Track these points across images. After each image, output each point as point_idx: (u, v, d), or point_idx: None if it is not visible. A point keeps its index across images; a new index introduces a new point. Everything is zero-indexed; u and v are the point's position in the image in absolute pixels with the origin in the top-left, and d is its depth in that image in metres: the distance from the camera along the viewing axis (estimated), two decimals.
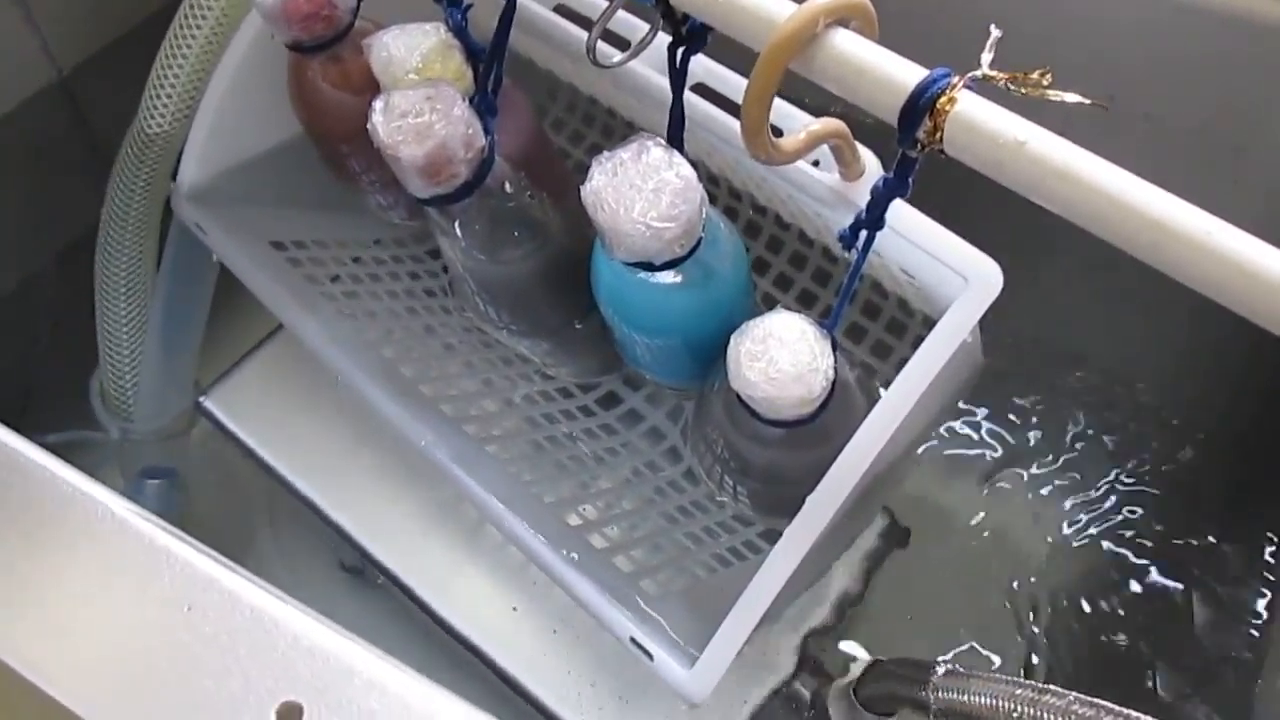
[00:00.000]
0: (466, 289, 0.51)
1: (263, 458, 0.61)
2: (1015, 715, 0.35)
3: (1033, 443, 0.63)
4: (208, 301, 0.65)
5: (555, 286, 0.51)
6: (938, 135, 0.30)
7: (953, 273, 0.40)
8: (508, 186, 0.46)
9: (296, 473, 0.61)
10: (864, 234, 0.37)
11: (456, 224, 0.47)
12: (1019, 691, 0.36)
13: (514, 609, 0.56)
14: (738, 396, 0.41)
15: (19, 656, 0.29)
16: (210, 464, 0.65)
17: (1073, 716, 0.34)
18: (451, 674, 0.55)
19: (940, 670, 0.41)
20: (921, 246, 0.40)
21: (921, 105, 0.30)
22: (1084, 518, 0.62)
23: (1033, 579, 0.60)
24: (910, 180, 0.34)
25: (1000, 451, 0.64)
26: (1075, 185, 0.28)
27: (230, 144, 0.58)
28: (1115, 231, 0.28)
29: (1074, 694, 0.34)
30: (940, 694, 0.40)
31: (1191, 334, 0.62)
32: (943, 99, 0.30)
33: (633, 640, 0.42)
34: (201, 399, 0.64)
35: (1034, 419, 0.63)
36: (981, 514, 0.62)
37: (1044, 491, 0.62)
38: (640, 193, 0.40)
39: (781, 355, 0.39)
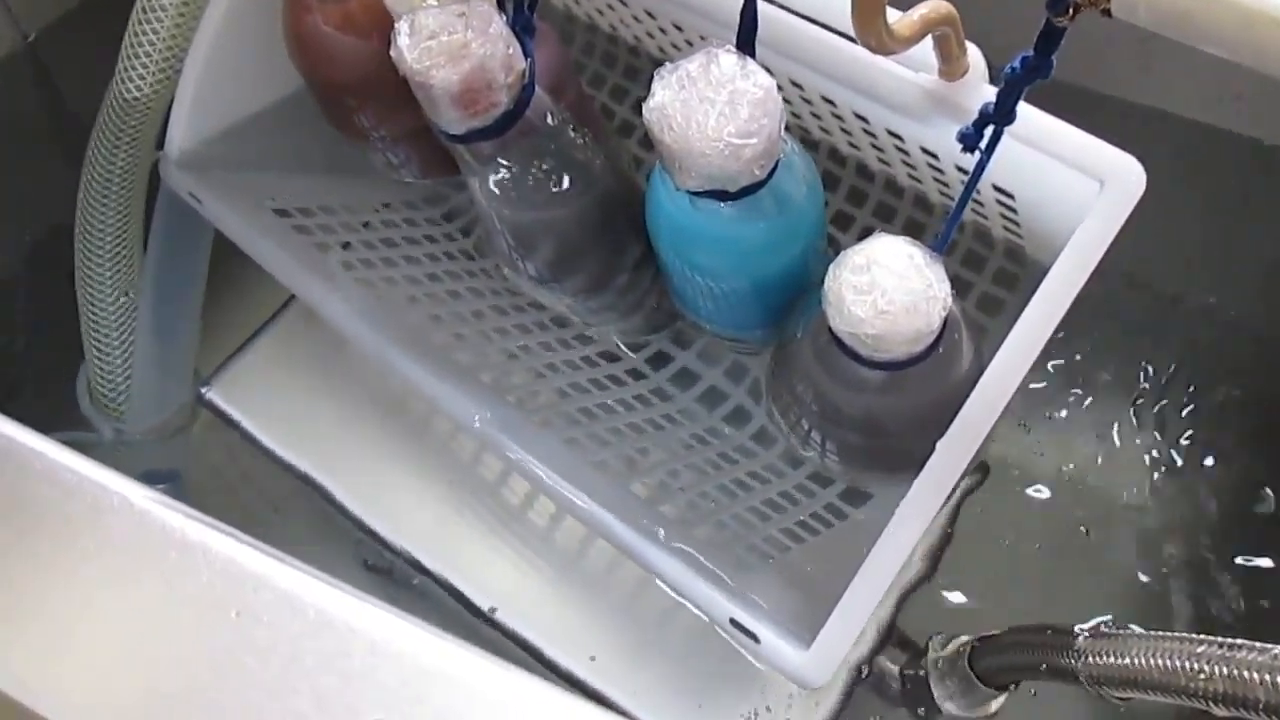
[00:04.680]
0: (502, 243, 0.46)
1: (275, 452, 0.55)
2: (1202, 675, 0.30)
3: (1107, 380, 0.58)
4: (202, 283, 0.59)
5: (601, 234, 0.46)
6: None
7: (1075, 179, 0.35)
8: (550, 119, 0.41)
9: (314, 465, 0.55)
10: (990, 130, 0.32)
11: (492, 166, 0.41)
12: (1200, 649, 0.31)
13: (545, 590, 0.51)
14: (835, 339, 0.36)
15: (22, 684, 0.23)
16: (216, 463, 0.59)
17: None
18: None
19: (1084, 634, 0.36)
20: (1045, 149, 0.35)
21: None
22: (1170, 456, 0.57)
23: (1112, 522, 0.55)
24: (1054, 59, 0.29)
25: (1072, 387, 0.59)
26: None
27: (221, 104, 0.52)
28: None
29: (1277, 647, 0.29)
30: (1090, 659, 0.35)
31: None
32: None
33: (733, 622, 0.37)
34: (203, 390, 0.58)
35: (1102, 355, 0.58)
36: (1051, 450, 0.57)
37: (1120, 430, 0.57)
38: (714, 106, 0.35)
39: (891, 284, 0.34)
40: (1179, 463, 0.56)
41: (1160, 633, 0.33)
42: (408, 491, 0.55)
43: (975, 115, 0.37)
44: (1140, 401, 0.57)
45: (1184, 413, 0.56)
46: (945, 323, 0.35)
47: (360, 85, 0.50)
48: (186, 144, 0.51)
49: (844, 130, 0.48)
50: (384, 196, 0.57)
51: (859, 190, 0.53)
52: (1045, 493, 0.55)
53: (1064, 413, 0.56)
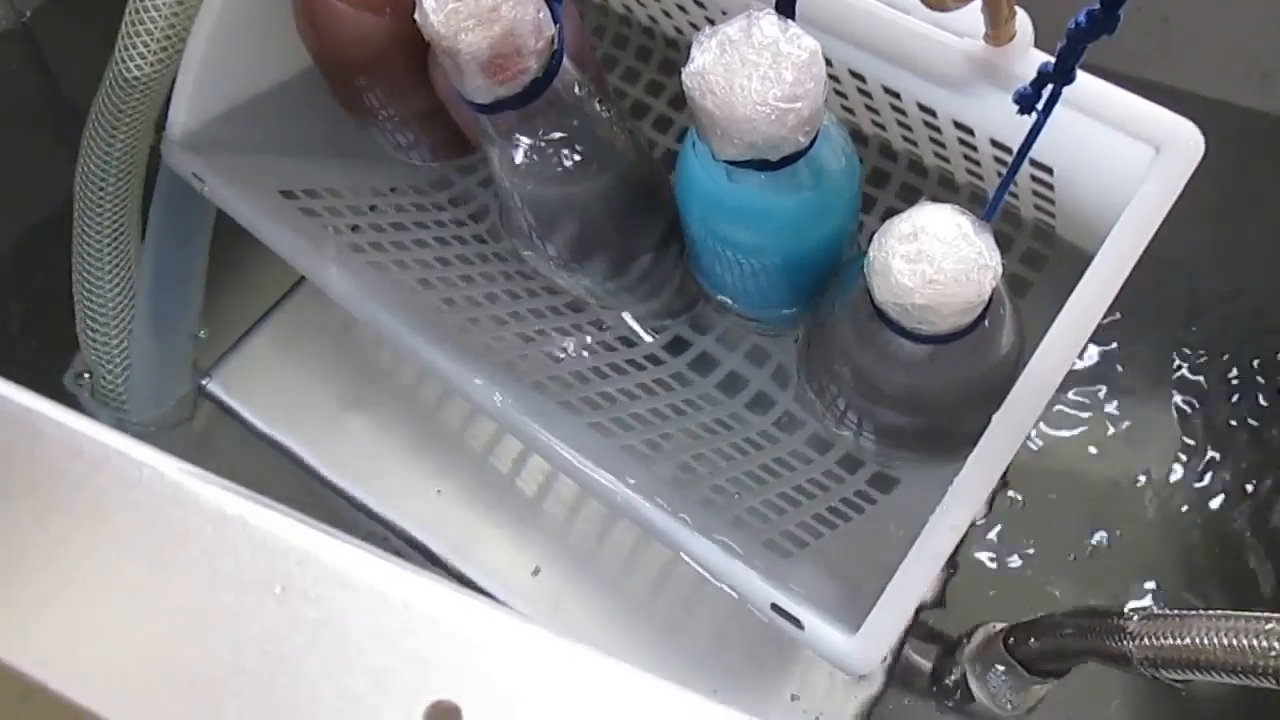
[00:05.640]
0: (522, 223, 0.44)
1: (279, 442, 0.54)
2: (1273, 653, 0.29)
3: (1132, 363, 0.57)
4: (203, 270, 0.57)
5: (624, 212, 0.44)
6: None
7: (1126, 147, 0.34)
8: (577, 90, 0.39)
9: (318, 456, 0.54)
10: (1048, 90, 0.30)
11: (515, 139, 0.40)
12: (1270, 625, 0.30)
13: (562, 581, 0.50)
14: (878, 313, 0.35)
15: (54, 670, 0.21)
16: (218, 456, 0.57)
17: None
18: None
19: (1136, 616, 0.35)
20: (1096, 114, 0.34)
21: None
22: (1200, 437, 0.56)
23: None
24: (1120, 13, 0.28)
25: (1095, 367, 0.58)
26: None
27: (226, 83, 0.51)
28: None
29: None
30: (1145, 640, 0.34)
31: None
32: None
33: (775, 608, 0.36)
34: (204, 382, 0.56)
35: (1131, 337, 0.57)
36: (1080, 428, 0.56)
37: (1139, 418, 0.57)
38: (757, 69, 0.33)
39: (940, 252, 0.33)
40: (1212, 444, 0.55)
41: (1223, 612, 0.32)
42: (416, 482, 0.53)
43: (1019, 82, 0.36)
44: (1167, 382, 0.56)
45: (1215, 393, 0.55)
46: (990, 296, 0.34)
47: (371, 63, 0.48)
48: (190, 124, 0.50)
49: (869, 109, 0.46)
50: (390, 180, 0.55)
51: (881, 171, 0.51)
52: (1071, 476, 0.54)
53: (1100, 393, 0.55)
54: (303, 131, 0.53)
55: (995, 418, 0.33)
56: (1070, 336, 0.32)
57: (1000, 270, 0.33)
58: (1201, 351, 0.55)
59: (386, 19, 0.47)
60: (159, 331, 0.56)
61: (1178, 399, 0.55)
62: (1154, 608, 0.35)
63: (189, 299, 0.57)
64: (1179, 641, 0.33)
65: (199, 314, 0.58)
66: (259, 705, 0.21)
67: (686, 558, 0.38)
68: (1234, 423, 0.55)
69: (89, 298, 0.55)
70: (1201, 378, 0.55)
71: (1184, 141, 0.32)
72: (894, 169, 0.51)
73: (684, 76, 0.34)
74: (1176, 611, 0.34)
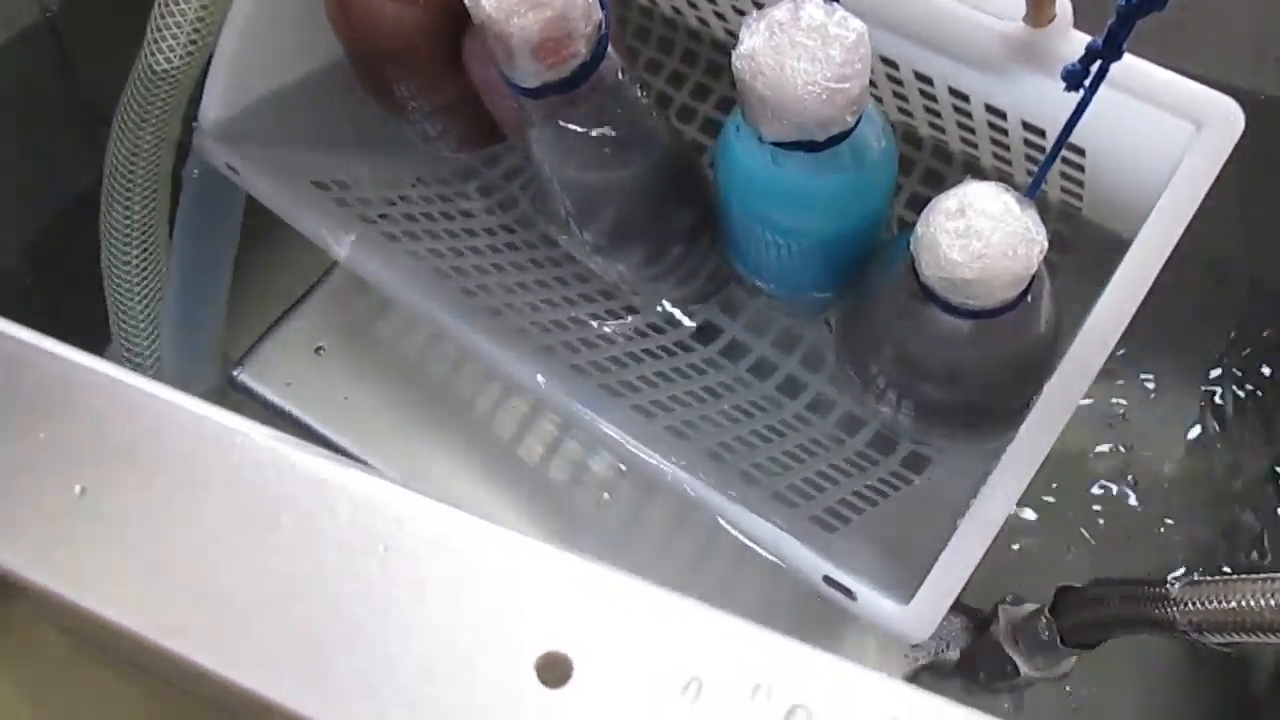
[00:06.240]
0: (559, 208, 0.45)
1: (316, 431, 0.54)
2: None
3: (1158, 352, 0.58)
4: (230, 261, 0.58)
5: (661, 198, 0.45)
6: None
7: (1164, 124, 0.35)
8: (621, 74, 0.40)
9: (354, 442, 0.54)
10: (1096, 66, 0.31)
11: (557, 124, 0.41)
12: None
13: None
14: (923, 289, 0.36)
15: (167, 630, 0.22)
16: None
17: None
18: None
19: (1177, 584, 0.36)
20: (1135, 91, 0.35)
21: None
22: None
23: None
24: None
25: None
26: None
27: (258, 75, 0.51)
28: None
29: None
30: (1189, 605, 0.35)
31: None
32: None
33: (827, 580, 0.36)
34: (235, 372, 0.56)
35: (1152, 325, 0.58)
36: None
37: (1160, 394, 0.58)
38: (807, 50, 0.34)
39: (987, 228, 0.34)
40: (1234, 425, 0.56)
41: (1268, 574, 0.33)
42: (449, 468, 0.54)
43: (1058, 63, 0.37)
44: (1192, 372, 0.57)
45: (1238, 382, 0.57)
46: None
47: (403, 53, 0.49)
48: (223, 115, 0.50)
49: (897, 95, 0.47)
50: (417, 171, 0.56)
51: (905, 158, 0.52)
52: (1099, 463, 0.55)
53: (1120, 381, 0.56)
54: (332, 123, 0.53)
55: (1048, 386, 0.34)
56: (1120, 307, 0.33)
57: (1046, 245, 0.34)
58: (1221, 342, 0.56)
59: (418, 9, 0.47)
60: (188, 323, 0.56)
61: (1193, 375, 0.56)
62: (1195, 575, 0.36)
63: (217, 290, 0.57)
64: (1225, 605, 0.34)
65: (225, 307, 0.58)
66: (371, 660, 0.21)
67: (737, 533, 0.38)
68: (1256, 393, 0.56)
69: (118, 290, 0.55)
70: (1222, 357, 0.56)
71: (1225, 117, 0.33)
72: (918, 155, 0.52)
73: (734, 59, 0.35)
74: (1219, 577, 0.35)
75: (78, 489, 0.24)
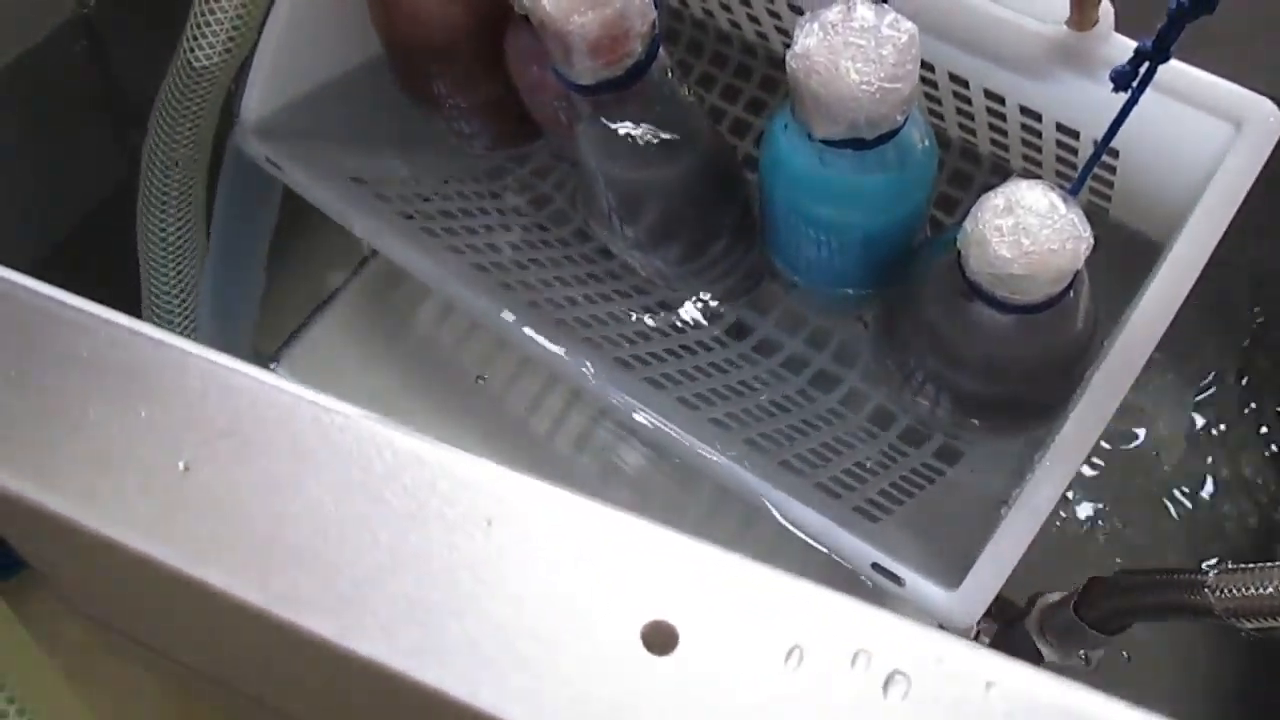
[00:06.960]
0: (603, 205, 0.46)
1: None
2: None
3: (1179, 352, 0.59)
4: (264, 257, 0.58)
5: (703, 196, 0.46)
6: None
7: (1203, 125, 0.36)
8: (670, 73, 0.41)
9: None
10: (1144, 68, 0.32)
11: (606, 122, 0.41)
12: None
13: None
14: (969, 285, 0.37)
15: (281, 600, 0.23)
16: None
17: None
18: None
19: (1212, 571, 0.37)
20: (1175, 92, 0.36)
21: None
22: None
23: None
24: None
25: None
26: None
27: (298, 71, 0.52)
28: None
29: None
30: (1225, 592, 0.36)
31: None
32: None
33: (875, 566, 0.37)
34: (271, 367, 0.57)
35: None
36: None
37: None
38: (861, 51, 0.35)
39: (1035, 224, 0.35)
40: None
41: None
42: (494, 454, 0.55)
43: (1100, 66, 0.38)
44: (1212, 375, 0.58)
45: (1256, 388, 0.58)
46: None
47: (443, 50, 0.50)
48: (264, 111, 0.51)
49: (929, 97, 0.48)
50: (451, 168, 0.57)
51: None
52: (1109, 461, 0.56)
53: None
54: (370, 120, 0.54)
55: (1095, 379, 0.35)
56: (1166, 301, 0.34)
57: (1092, 241, 0.35)
58: (1241, 344, 0.58)
59: (460, 7, 0.48)
60: (223, 317, 0.57)
61: (1205, 366, 0.57)
62: (1228, 563, 0.37)
63: (252, 285, 0.58)
64: (1261, 591, 0.35)
65: (258, 303, 0.59)
66: (481, 627, 0.22)
67: (785, 522, 0.39)
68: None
69: (153, 283, 0.56)
70: (1236, 374, 0.57)
71: (1266, 118, 0.35)
72: (946, 156, 0.53)
73: (788, 58, 0.36)
74: (1253, 565, 0.36)
75: (181, 465, 0.25)
